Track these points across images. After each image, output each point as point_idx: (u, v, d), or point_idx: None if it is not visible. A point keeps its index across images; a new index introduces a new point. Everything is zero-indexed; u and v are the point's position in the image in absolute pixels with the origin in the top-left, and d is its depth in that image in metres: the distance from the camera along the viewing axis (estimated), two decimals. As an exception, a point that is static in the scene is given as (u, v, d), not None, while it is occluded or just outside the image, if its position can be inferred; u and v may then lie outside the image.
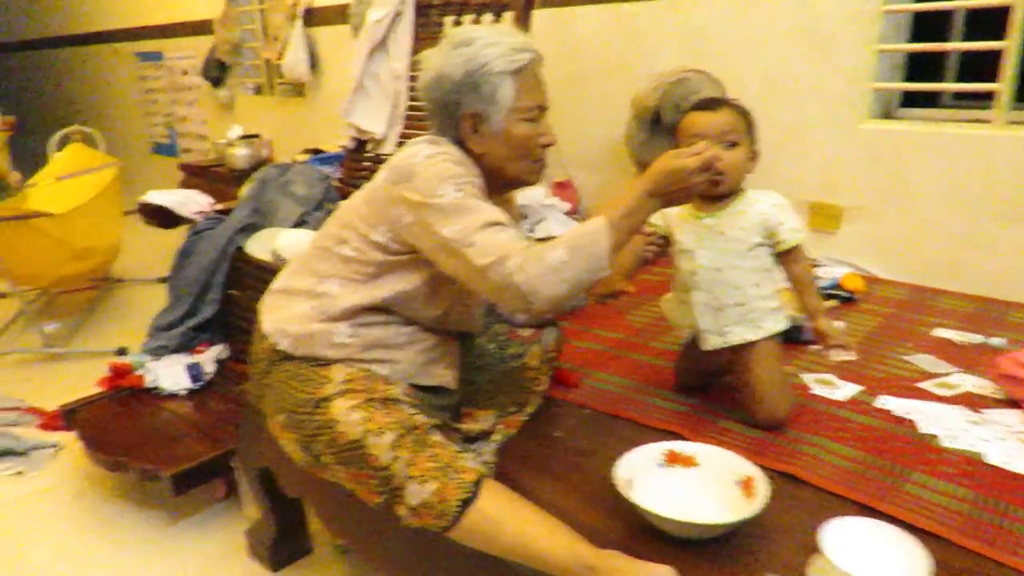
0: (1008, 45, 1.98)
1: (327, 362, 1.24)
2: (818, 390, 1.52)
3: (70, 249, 2.95)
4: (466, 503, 1.04)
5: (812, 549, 0.97)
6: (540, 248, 1.09)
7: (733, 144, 1.31)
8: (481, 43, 1.21)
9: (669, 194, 1.14)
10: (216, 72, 4.83)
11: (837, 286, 2.09)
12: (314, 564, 1.70)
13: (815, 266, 2.34)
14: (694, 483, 1.17)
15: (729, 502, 1.10)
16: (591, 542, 1.03)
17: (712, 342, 1.39)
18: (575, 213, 3.03)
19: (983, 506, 1.13)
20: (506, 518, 1.03)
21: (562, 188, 3.08)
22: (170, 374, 2.10)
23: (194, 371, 2.10)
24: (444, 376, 1.34)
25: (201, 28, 4.94)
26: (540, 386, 1.50)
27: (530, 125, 1.25)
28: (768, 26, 2.41)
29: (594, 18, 2.88)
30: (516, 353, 1.52)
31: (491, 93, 1.21)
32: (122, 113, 6.27)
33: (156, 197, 2.40)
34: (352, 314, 1.25)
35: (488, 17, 2.46)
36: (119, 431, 1.92)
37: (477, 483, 1.06)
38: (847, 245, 2.40)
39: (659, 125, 2.49)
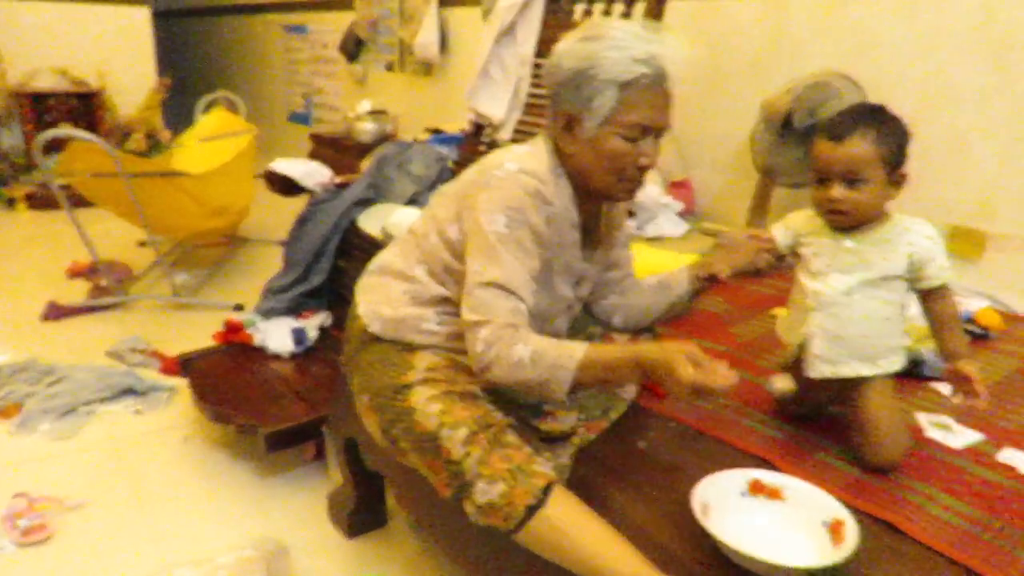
0: None
1: (414, 348, 1.25)
2: (933, 433, 1.39)
3: (206, 207, 3.16)
4: (533, 508, 1.02)
5: (904, 612, 0.88)
6: (514, 336, 1.08)
7: (859, 183, 1.18)
8: (605, 44, 1.14)
9: (655, 377, 1.06)
10: (352, 47, 5.01)
11: (970, 321, 1.90)
12: (388, 537, 1.74)
13: (949, 296, 2.14)
14: (777, 518, 1.09)
15: (814, 545, 1.02)
16: (663, 565, 0.98)
17: (820, 370, 1.28)
18: (690, 214, 2.93)
19: (1117, 593, 0.99)
20: (572, 529, 1.01)
21: (678, 187, 2.98)
22: (277, 335, 2.20)
23: (298, 335, 2.20)
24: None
25: (345, 3, 5.13)
26: (628, 393, 1.46)
27: (625, 143, 1.16)
28: (938, 26, 2.20)
29: (739, 11, 2.74)
30: (606, 359, 1.48)
31: (589, 98, 1.14)
32: (266, 81, 6.64)
33: (282, 166, 2.52)
34: (439, 302, 1.25)
35: (619, 7, 2.40)
36: (225, 384, 2.04)
37: (546, 489, 1.04)
38: (989, 276, 2.18)
39: (789, 130, 2.36)
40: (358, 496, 1.68)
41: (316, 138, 4.85)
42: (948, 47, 2.18)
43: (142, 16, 5.39)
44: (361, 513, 1.71)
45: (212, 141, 3.88)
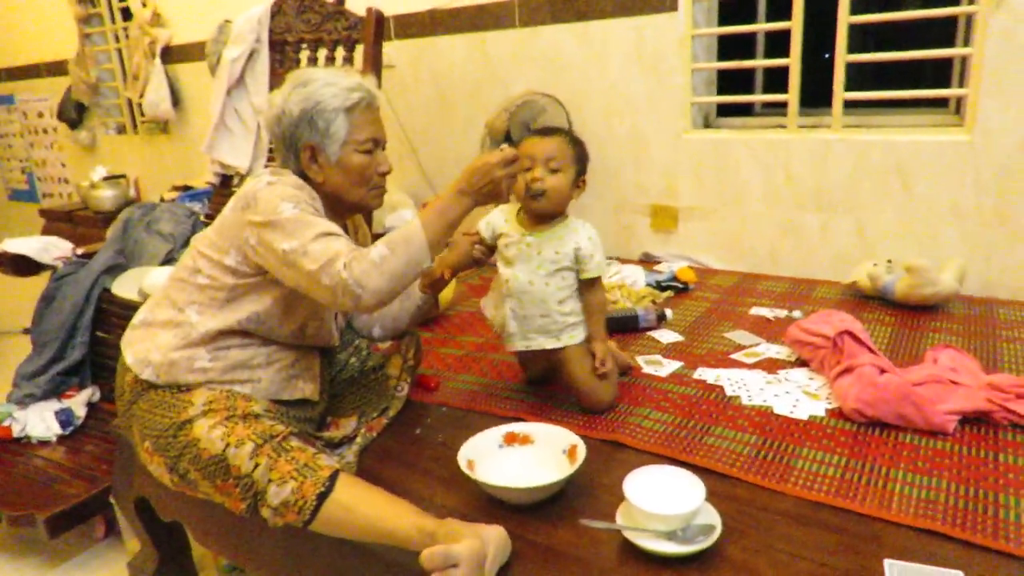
0: (790, 62, 2.30)
1: (189, 387, 1.31)
2: (647, 369, 1.73)
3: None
4: (322, 496, 1.15)
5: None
6: (361, 250, 1.22)
7: (557, 170, 1.47)
8: (318, 84, 1.35)
9: (479, 190, 1.30)
10: (74, 114, 4.70)
11: (674, 278, 2.34)
12: (200, 587, 1.76)
13: (656, 262, 2.60)
14: (530, 458, 1.32)
15: (558, 469, 1.27)
16: (442, 517, 1.16)
17: (516, 344, 1.56)
18: (445, 231, 3.18)
19: (767, 448, 1.35)
20: (358, 505, 1.15)
21: (431, 208, 3.23)
22: (39, 421, 2.08)
23: (64, 416, 2.10)
24: (305, 389, 1.44)
25: (55, 69, 4.80)
26: (401, 392, 1.63)
27: (365, 156, 1.37)
28: (605, 51, 2.67)
29: (454, 46, 3.06)
30: (377, 365, 1.65)
31: (325, 127, 1.34)
32: (-27, 161, 5.94)
33: (13, 245, 2.37)
34: (211, 338, 1.33)
35: (341, 52, 2.59)
36: (-13, 484, 1.90)
37: (332, 477, 1.17)
38: (685, 242, 2.68)
39: (511, 144, 2.69)
40: (160, 554, 1.68)
41: (47, 214, 4.49)
42: (617, 65, 2.65)
43: None
44: (166, 571, 1.71)
45: (-83, 234, 3.45)
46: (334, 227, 1.27)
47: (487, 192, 1.31)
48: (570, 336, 1.53)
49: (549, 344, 1.52)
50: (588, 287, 1.52)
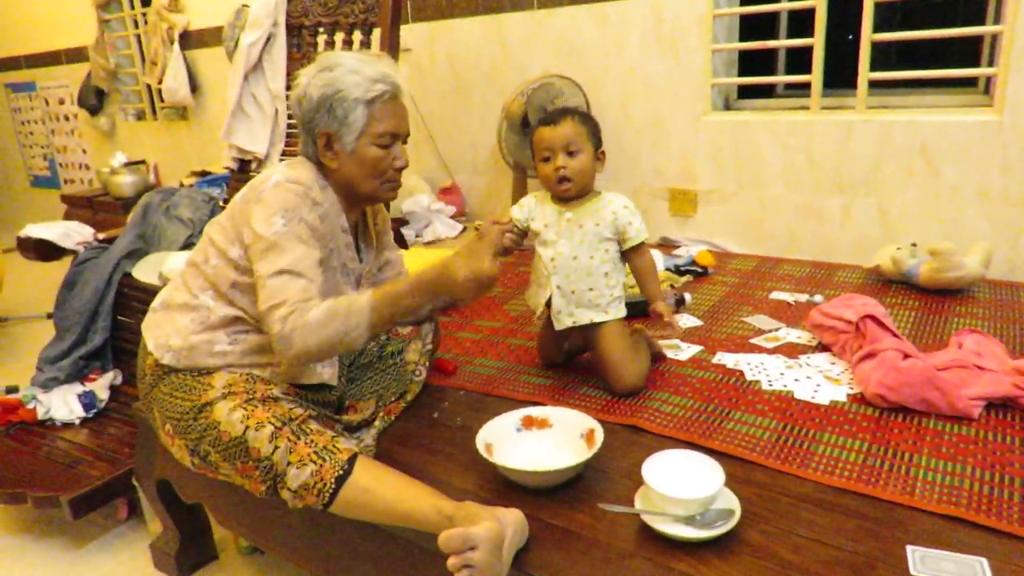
0: (814, 41, 2.26)
1: (209, 371, 1.32)
2: (667, 353, 1.72)
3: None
4: (341, 479, 1.15)
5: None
6: (307, 305, 1.20)
7: (576, 152, 1.49)
8: (343, 70, 1.32)
9: (461, 298, 1.25)
10: (93, 100, 4.73)
11: (693, 263, 2.32)
12: (221, 569, 1.77)
13: (675, 246, 2.57)
14: (548, 442, 1.32)
15: (575, 453, 1.27)
16: (460, 499, 1.16)
17: (563, 322, 1.56)
18: (461, 215, 3.18)
19: (787, 433, 1.34)
20: (376, 487, 1.15)
21: (448, 192, 3.23)
22: (62, 404, 2.11)
23: (87, 399, 2.13)
24: (324, 374, 1.43)
25: (75, 56, 4.83)
26: (420, 376, 1.63)
27: (381, 150, 1.35)
28: (622, 32, 2.63)
29: (469, 30, 3.04)
30: (395, 350, 1.64)
31: (343, 116, 1.31)
32: (-4, 148, 6.01)
33: (36, 231, 2.39)
34: (229, 323, 1.34)
35: (358, 35, 2.58)
36: (12, 465, 1.93)
37: (351, 460, 1.17)
38: (704, 225, 2.65)
39: (528, 128, 2.67)
40: (182, 534, 1.70)
41: (68, 200, 4.53)
42: (635, 47, 2.62)
43: None
44: (188, 551, 1.73)
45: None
46: (304, 262, 1.24)
47: (469, 300, 1.28)
48: (617, 309, 1.54)
49: (598, 317, 1.53)
50: (635, 253, 1.54)
